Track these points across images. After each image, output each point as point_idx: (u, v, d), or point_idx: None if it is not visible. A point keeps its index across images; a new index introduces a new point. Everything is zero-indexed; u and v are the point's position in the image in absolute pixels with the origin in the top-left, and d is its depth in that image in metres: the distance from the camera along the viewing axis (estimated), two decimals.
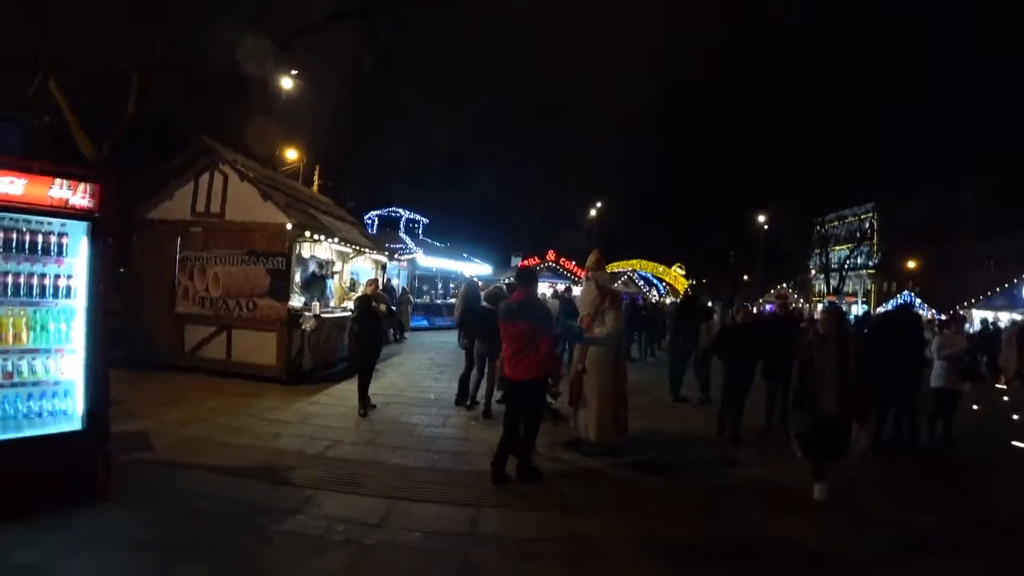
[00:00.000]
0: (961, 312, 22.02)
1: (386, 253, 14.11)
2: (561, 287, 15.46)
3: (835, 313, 5.03)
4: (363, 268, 12.23)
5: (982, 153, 29.19)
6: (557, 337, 6.77)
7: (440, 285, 24.21)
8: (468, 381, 7.50)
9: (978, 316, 23.11)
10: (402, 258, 20.03)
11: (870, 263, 42.16)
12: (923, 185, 31.24)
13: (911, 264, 36.08)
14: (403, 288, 18.25)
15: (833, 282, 38.02)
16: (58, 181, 3.71)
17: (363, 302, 7.21)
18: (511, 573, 3.35)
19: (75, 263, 3.84)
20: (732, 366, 6.61)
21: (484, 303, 7.29)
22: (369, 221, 23.56)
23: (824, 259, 39.53)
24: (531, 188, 39.94)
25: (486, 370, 7.25)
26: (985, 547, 4.07)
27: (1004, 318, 21.33)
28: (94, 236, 3.85)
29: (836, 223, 42.35)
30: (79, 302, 3.83)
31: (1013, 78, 30.86)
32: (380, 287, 13.36)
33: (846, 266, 38.87)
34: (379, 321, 7.33)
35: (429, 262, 22.51)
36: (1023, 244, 28.63)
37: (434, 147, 33.91)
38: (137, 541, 3.37)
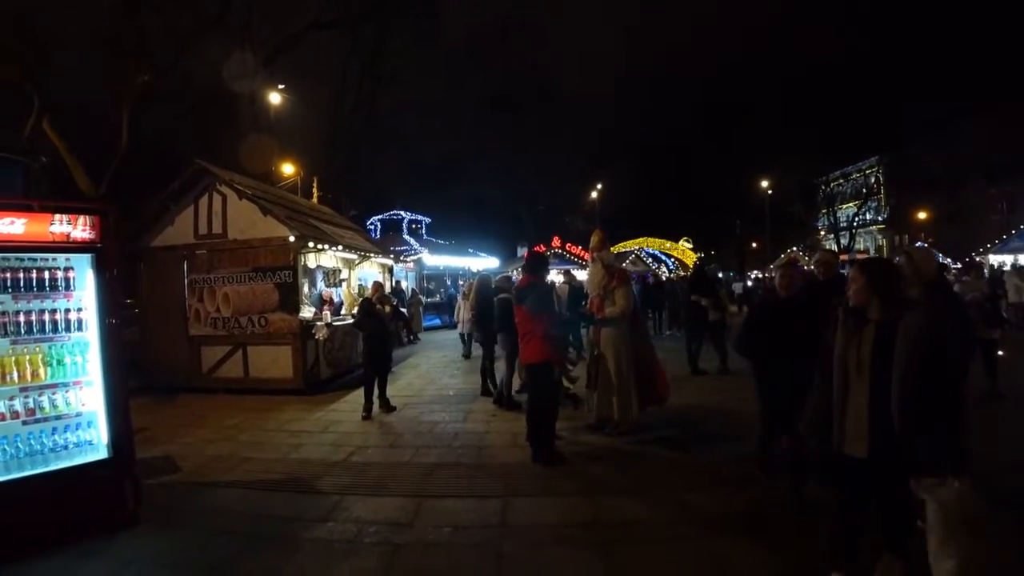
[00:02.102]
0: (978, 259, 21.73)
1: (391, 256, 14.14)
2: (571, 272, 15.46)
3: (871, 270, 2.60)
4: (370, 273, 12.25)
5: (989, 96, 28.74)
6: (566, 322, 6.77)
7: (449, 283, 24.29)
8: (488, 373, 7.61)
9: (995, 260, 22.76)
10: (407, 259, 20.09)
11: (879, 218, 41.59)
12: (928, 134, 30.82)
13: (921, 215, 35.53)
14: (412, 289, 18.29)
15: (843, 241, 37.59)
16: (58, 216, 3.74)
17: (365, 305, 7.24)
18: (544, 561, 3.35)
19: (83, 296, 3.88)
20: (771, 375, 3.93)
21: (502, 295, 7.30)
22: (372, 226, 23.68)
23: (832, 218, 39.06)
24: (532, 177, 39.89)
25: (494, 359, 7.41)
26: None
27: (1022, 259, 20.99)
28: (99, 267, 3.88)
29: (841, 181, 41.76)
30: (92, 333, 3.87)
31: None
32: (390, 289, 13.47)
33: (855, 224, 38.38)
34: (384, 323, 7.28)
35: (435, 261, 22.59)
36: None
37: (431, 147, 33.96)
38: (169, 562, 3.42)
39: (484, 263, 24.79)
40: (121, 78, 13.44)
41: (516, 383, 7.05)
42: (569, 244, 28.44)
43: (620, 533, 3.62)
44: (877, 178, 40.07)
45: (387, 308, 7.46)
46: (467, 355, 11.61)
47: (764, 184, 37.05)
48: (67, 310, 3.82)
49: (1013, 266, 13.86)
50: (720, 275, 16.60)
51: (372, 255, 12.10)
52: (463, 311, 11.67)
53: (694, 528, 3.65)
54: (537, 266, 5.38)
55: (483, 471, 4.87)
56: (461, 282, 16.47)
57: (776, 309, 4.13)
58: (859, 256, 29.38)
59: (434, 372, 10.22)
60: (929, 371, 2.22)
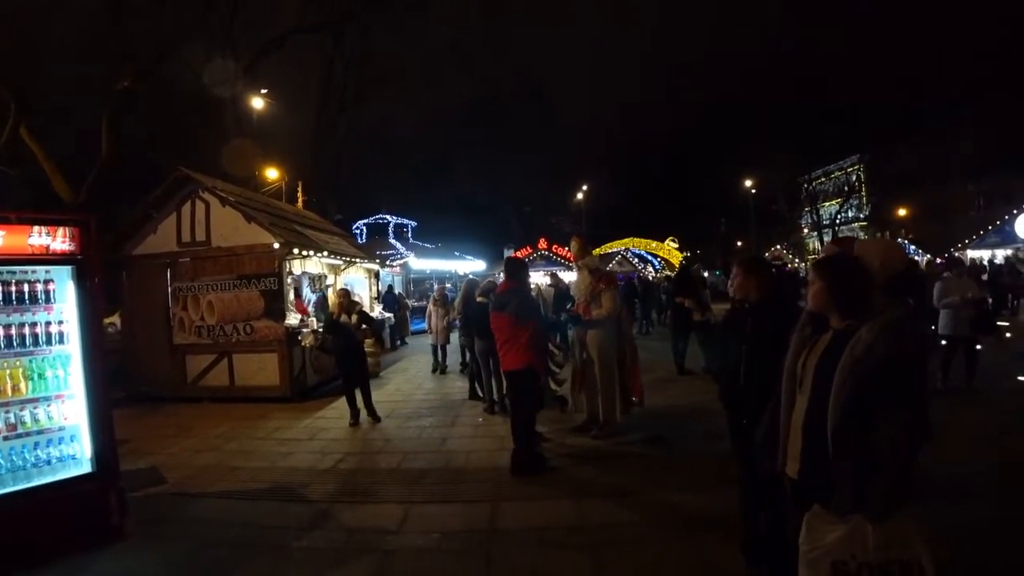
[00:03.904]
0: (957, 254, 22.16)
1: (377, 261, 14.10)
2: (558, 274, 15.57)
3: (832, 271, 2.16)
4: (356, 279, 12.22)
5: (967, 96, 29.33)
6: (551, 325, 6.79)
7: (435, 286, 24.27)
8: (477, 378, 7.60)
9: (972, 256, 23.22)
10: (394, 264, 20.03)
11: (861, 215, 42.23)
12: (909, 132, 31.37)
13: (902, 212, 36.15)
14: (400, 293, 18.25)
15: (826, 238, 38.08)
16: (37, 228, 3.71)
17: (328, 325, 6.97)
18: (532, 564, 3.37)
19: (64, 308, 3.84)
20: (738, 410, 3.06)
21: (479, 298, 7.27)
22: (358, 231, 23.59)
23: (815, 216, 39.61)
24: (518, 179, 39.99)
25: (492, 367, 7.24)
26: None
27: (999, 255, 21.44)
28: (80, 279, 3.85)
29: (823, 179, 42.38)
30: (73, 346, 3.84)
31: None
32: (376, 294, 13.41)
33: (838, 221, 38.96)
34: (351, 336, 6.87)
35: (422, 264, 22.54)
36: (1012, 183, 28.77)
37: (418, 150, 33.91)
38: (157, 575, 3.39)
39: (471, 266, 24.82)
40: (101, 83, 13.27)
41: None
42: (556, 245, 28.51)
43: (607, 535, 3.65)
44: (858, 176, 40.71)
45: (352, 318, 6.95)
46: (443, 370, 10.30)
47: (748, 183, 37.48)
48: (48, 323, 3.78)
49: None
50: (705, 274, 16.78)
51: (358, 260, 12.06)
52: (434, 319, 10.46)
53: (680, 529, 3.69)
54: (517, 271, 5.31)
55: (471, 476, 4.89)
56: (449, 285, 16.25)
57: (726, 321, 3.32)
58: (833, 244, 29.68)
59: (421, 376, 10.20)
60: (867, 397, 1.90)
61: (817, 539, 1.99)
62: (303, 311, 9.22)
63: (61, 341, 3.82)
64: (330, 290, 10.66)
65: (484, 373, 7.33)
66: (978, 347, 6.95)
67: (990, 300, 14.15)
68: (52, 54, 15.02)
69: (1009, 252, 21.06)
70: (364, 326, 6.97)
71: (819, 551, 1.97)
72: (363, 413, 6.93)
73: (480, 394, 7.52)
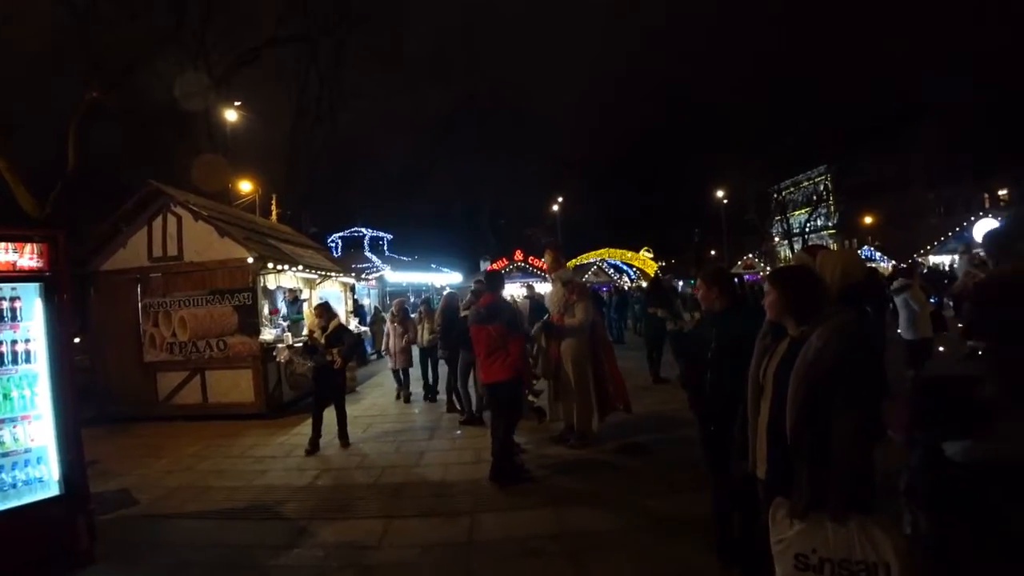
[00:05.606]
0: (919, 259, 22.93)
1: (353, 274, 14.01)
2: (533, 287, 15.69)
3: (783, 282, 2.30)
4: (332, 292, 12.10)
5: (925, 106, 30.48)
6: (527, 338, 6.85)
7: (412, 299, 24.19)
8: (455, 390, 7.57)
9: (934, 261, 24.09)
10: (370, 277, 19.89)
11: (830, 224, 43.40)
12: (870, 143, 32.42)
13: (868, 220, 37.28)
14: (375, 307, 18.11)
15: (797, 246, 38.99)
16: (3, 245, 3.62)
17: (306, 348, 6.79)
18: (512, 574, 3.40)
19: (31, 326, 3.74)
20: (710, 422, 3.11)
21: (464, 312, 7.25)
22: (333, 244, 23.43)
23: (785, 225, 40.57)
24: (493, 191, 40.18)
25: (473, 378, 7.22)
26: None
27: (959, 260, 22.23)
28: (48, 296, 3.76)
29: (792, 189, 43.50)
30: (41, 365, 3.75)
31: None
32: (351, 308, 13.29)
33: (807, 229, 39.98)
34: (322, 354, 6.50)
35: (398, 277, 22.46)
36: (970, 190, 30.03)
37: (392, 163, 33.86)
38: None
39: (447, 278, 24.81)
40: (69, 93, 13.02)
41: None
42: (532, 257, 28.65)
43: (586, 542, 3.70)
44: (826, 185, 41.89)
45: (317, 332, 6.55)
46: (407, 397, 8.92)
47: (720, 194, 38.28)
48: (14, 341, 3.68)
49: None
50: (680, 283, 17.10)
51: (333, 274, 11.97)
52: (392, 338, 8.93)
53: (658, 534, 3.75)
54: (499, 284, 5.48)
55: (450, 488, 4.89)
56: (413, 298, 15.42)
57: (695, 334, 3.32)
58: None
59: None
60: (820, 399, 2.00)
61: (781, 531, 2.07)
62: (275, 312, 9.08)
63: (28, 360, 3.71)
64: (305, 305, 10.55)
65: (462, 385, 7.33)
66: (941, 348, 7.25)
67: (950, 303, 14.73)
68: (17, 64, 14.66)
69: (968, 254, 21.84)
70: (343, 344, 6.51)
71: (784, 543, 2.05)
72: (326, 437, 6.43)
73: (458, 407, 7.52)
